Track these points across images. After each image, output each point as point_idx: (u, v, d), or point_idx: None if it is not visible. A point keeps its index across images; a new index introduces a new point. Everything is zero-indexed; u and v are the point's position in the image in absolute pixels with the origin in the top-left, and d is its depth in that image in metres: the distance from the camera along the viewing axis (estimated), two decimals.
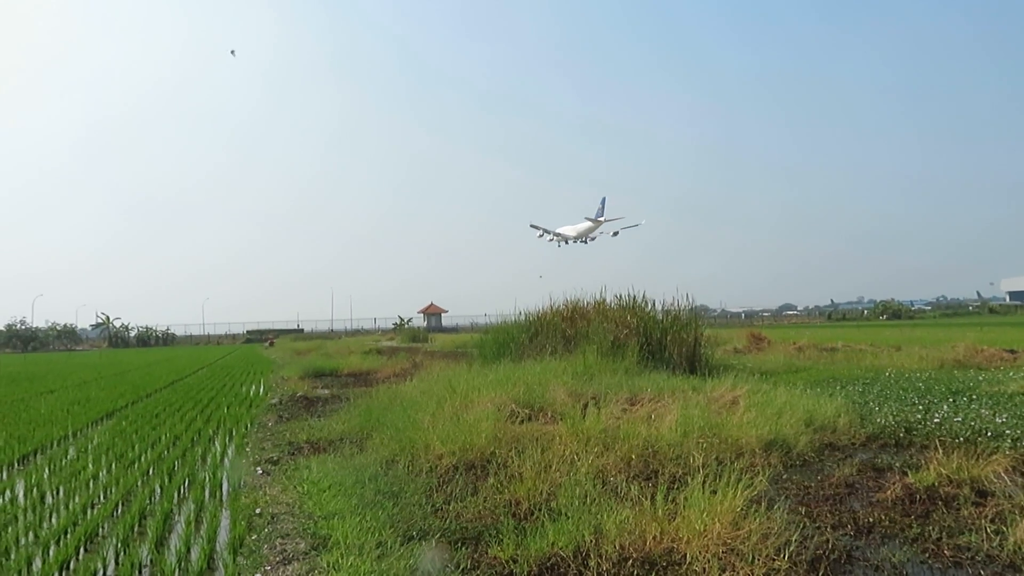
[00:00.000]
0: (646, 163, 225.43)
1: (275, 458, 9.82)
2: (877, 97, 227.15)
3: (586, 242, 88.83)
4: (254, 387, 21.99)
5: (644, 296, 21.05)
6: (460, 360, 22.74)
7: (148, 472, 9.33)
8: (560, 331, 21.23)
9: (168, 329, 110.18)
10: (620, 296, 21.48)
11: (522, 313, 23.83)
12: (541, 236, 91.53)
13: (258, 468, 9.19)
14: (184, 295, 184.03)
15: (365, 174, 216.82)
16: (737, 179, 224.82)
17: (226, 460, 9.97)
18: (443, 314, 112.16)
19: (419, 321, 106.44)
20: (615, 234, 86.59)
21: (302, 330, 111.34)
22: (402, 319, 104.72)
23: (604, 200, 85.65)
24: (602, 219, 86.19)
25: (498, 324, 25.09)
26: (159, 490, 8.20)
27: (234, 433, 12.37)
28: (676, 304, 20.37)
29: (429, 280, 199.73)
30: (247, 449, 10.69)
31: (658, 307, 20.58)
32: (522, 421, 10.22)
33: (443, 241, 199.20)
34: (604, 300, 21.88)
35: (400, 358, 30.19)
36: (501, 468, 7.78)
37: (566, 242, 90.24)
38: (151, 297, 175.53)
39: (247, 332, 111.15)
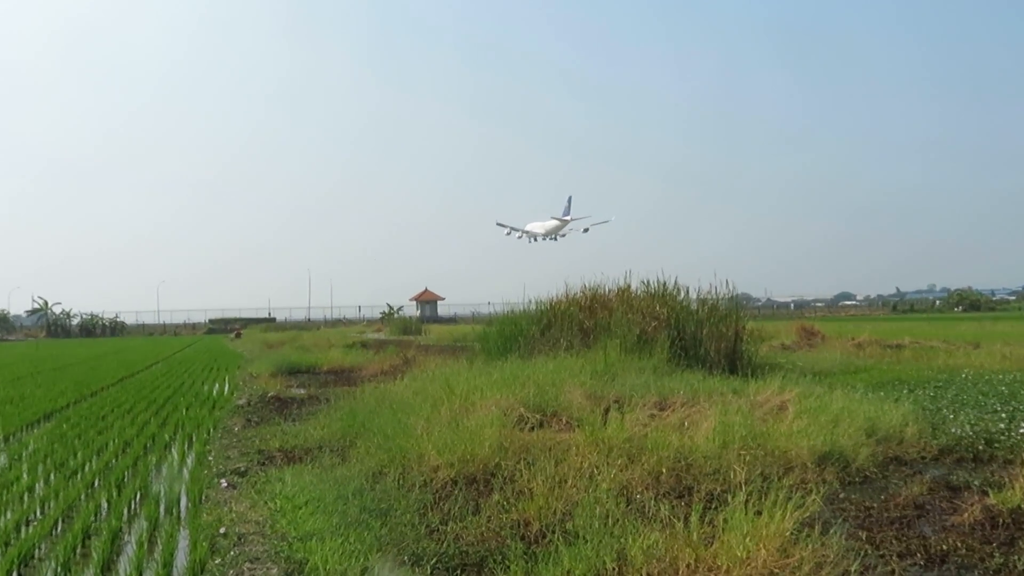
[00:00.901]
0: (634, 124, 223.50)
1: (243, 469, 9.86)
2: (932, 53, 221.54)
3: (555, 239, 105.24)
4: (218, 385, 22.11)
5: (676, 282, 21.06)
6: (459, 356, 22.78)
7: (93, 484, 9.37)
8: (577, 323, 21.26)
9: (117, 316, 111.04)
10: (647, 282, 21.48)
11: (532, 301, 23.88)
12: (509, 234, 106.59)
13: (223, 480, 9.22)
14: (136, 277, 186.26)
15: (321, 136, 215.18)
16: (749, 143, 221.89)
17: (185, 470, 10.01)
18: (439, 302, 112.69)
19: (411, 310, 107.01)
20: (585, 230, 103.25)
21: (274, 319, 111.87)
22: (391, 307, 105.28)
23: (570, 199, 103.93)
24: (568, 217, 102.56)
25: (504, 314, 25.20)
26: (106, 505, 8.24)
27: (194, 439, 12.43)
28: (713, 292, 20.36)
29: (423, 263, 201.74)
30: (210, 458, 10.73)
31: (692, 295, 20.60)
32: (532, 428, 10.25)
33: (436, 219, 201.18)
34: (629, 287, 21.89)
35: (389, 353, 30.28)
36: (508, 483, 7.79)
37: (534, 239, 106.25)
38: (96, 280, 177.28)
39: (210, 321, 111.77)
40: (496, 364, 17.09)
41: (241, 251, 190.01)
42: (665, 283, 21.07)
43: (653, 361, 16.79)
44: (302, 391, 19.90)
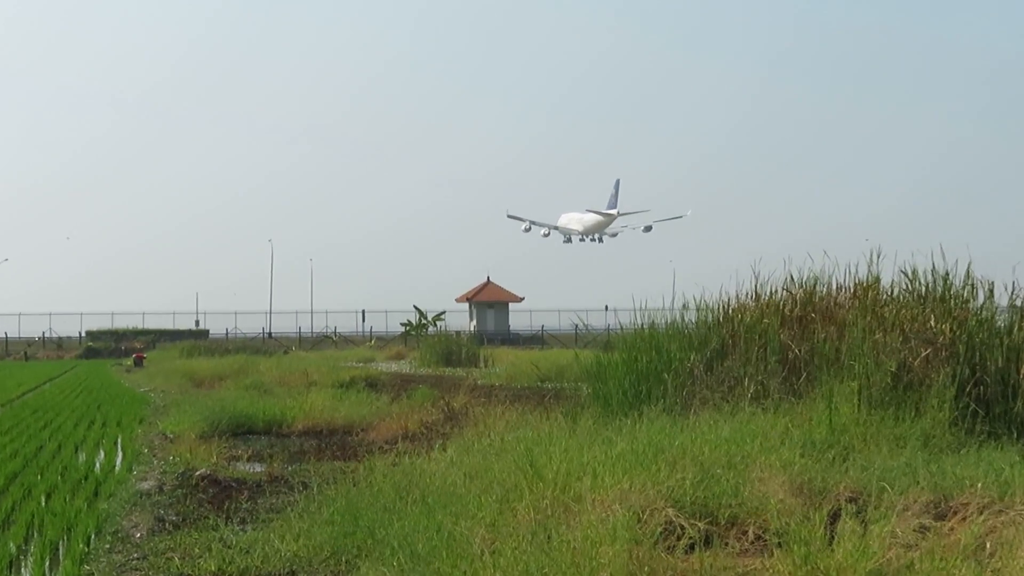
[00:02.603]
0: None
1: None
2: None
3: (600, 240, 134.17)
4: (104, 454, 22.61)
5: (969, 274, 20.61)
6: (551, 407, 22.75)
7: None
8: (776, 347, 21.00)
9: None
10: (911, 273, 21.11)
11: (688, 307, 23.83)
12: (528, 230, 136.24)
13: None
14: None
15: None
16: None
17: None
18: (512, 305, 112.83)
19: (460, 320, 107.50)
20: (648, 229, 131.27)
21: (206, 332, 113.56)
22: (422, 315, 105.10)
23: (618, 184, 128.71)
24: (615, 211, 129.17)
25: (633, 331, 25.00)
26: None
27: (63, 553, 12.65)
28: None
29: (483, 235, 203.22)
30: None
31: (997, 298, 20.18)
32: (692, 546, 10.20)
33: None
34: (877, 281, 21.53)
35: (418, 399, 30.44)
36: None
37: (569, 239, 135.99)
38: None
39: (88, 336, 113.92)
40: (621, 424, 17.14)
41: (172, 219, 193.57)
42: (947, 275, 20.71)
43: (923, 424, 16.49)
44: (258, 467, 20.19)
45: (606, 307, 68.35)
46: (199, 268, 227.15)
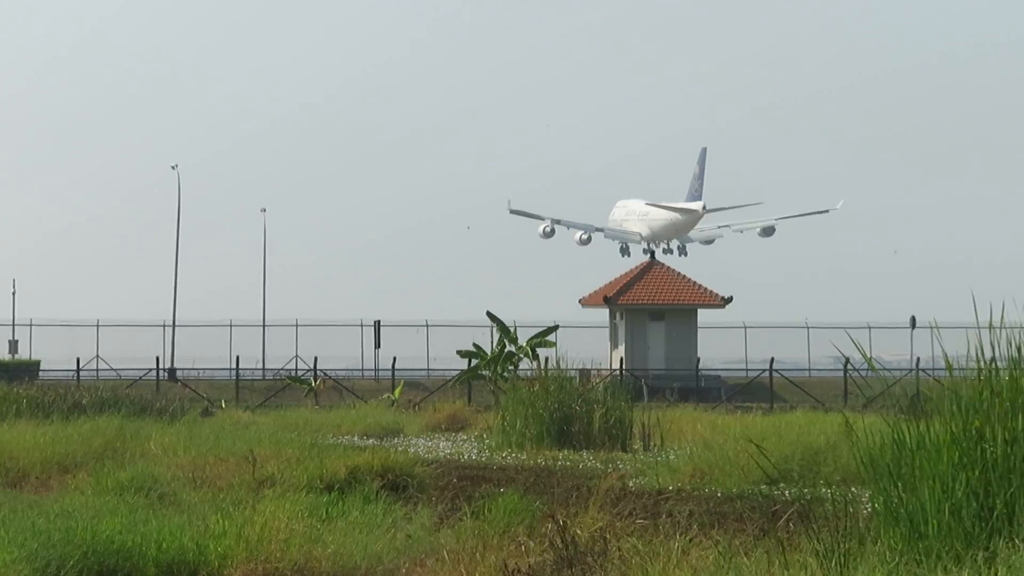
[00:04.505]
0: None
1: None
2: None
3: (683, 251, 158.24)
4: None
5: None
6: (788, 538, 22.61)
7: None
8: None
9: None
10: None
11: None
12: (551, 233, 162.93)
13: None
14: None
15: None
16: None
17: None
18: (704, 310, 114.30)
19: (591, 345, 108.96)
20: (768, 232, 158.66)
21: (35, 365, 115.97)
22: (506, 333, 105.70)
23: (704, 156, 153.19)
24: (699, 205, 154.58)
25: (974, 373, 24.78)
26: None
27: None
28: None
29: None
30: None
31: None
32: None
33: None
34: None
35: (496, 520, 30.41)
36: None
37: (626, 249, 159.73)
38: None
39: None
40: None
41: None
42: None
43: None
44: None
45: (912, 320, 68.85)
46: (18, 235, 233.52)
